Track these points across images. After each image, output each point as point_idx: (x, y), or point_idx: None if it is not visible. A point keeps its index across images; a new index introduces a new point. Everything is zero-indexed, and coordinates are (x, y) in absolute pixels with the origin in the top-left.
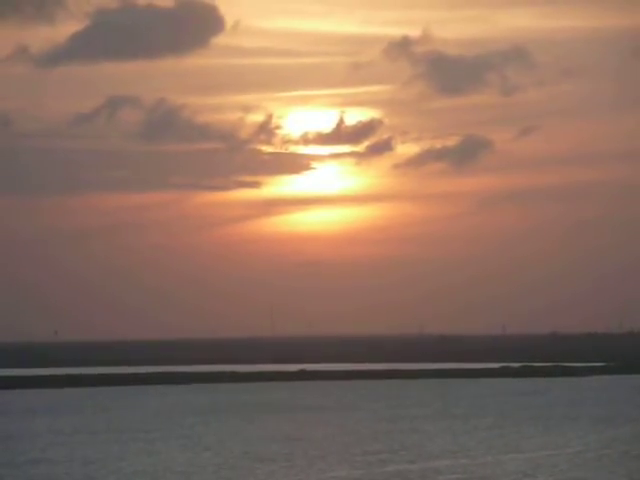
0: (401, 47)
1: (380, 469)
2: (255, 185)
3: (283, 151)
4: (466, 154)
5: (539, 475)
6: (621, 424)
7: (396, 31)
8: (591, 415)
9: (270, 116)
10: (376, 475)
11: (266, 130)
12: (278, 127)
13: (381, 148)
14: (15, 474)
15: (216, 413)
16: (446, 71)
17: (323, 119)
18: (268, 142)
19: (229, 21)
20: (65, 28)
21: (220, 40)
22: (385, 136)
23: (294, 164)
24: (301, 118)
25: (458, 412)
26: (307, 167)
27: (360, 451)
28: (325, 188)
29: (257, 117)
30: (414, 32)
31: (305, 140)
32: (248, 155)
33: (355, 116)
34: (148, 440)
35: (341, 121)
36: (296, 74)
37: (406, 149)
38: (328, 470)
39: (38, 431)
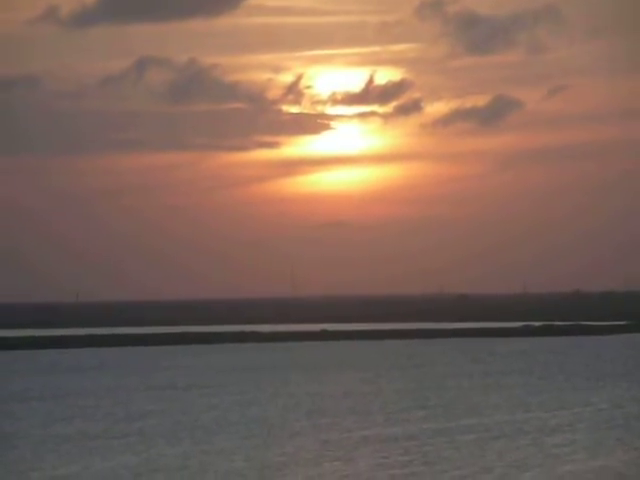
0: (433, 6)
1: (418, 426)
2: (275, 145)
3: (310, 111)
4: (495, 113)
5: (562, 433)
6: None
7: None
8: (613, 373)
9: (299, 76)
10: (416, 432)
11: (295, 90)
12: (307, 87)
13: (410, 107)
14: (47, 433)
15: (241, 373)
16: (476, 30)
17: (351, 78)
18: (296, 102)
19: None
20: None
21: (252, 0)
22: (414, 95)
23: (316, 124)
24: (329, 78)
25: (481, 371)
26: (329, 127)
27: (394, 409)
28: (349, 148)
29: (286, 77)
30: None
31: (333, 100)
32: (270, 116)
33: (384, 75)
34: (179, 398)
35: (370, 81)
36: (326, 33)
37: (434, 108)
38: (370, 427)
39: (66, 389)
